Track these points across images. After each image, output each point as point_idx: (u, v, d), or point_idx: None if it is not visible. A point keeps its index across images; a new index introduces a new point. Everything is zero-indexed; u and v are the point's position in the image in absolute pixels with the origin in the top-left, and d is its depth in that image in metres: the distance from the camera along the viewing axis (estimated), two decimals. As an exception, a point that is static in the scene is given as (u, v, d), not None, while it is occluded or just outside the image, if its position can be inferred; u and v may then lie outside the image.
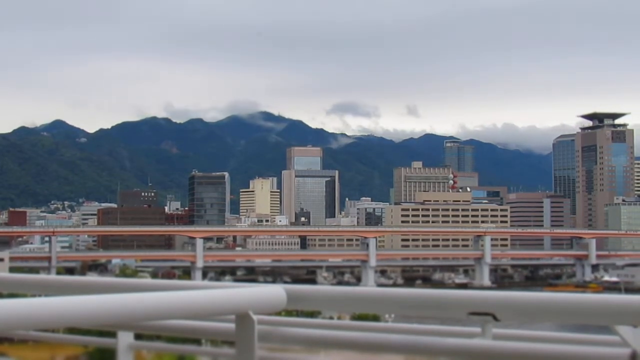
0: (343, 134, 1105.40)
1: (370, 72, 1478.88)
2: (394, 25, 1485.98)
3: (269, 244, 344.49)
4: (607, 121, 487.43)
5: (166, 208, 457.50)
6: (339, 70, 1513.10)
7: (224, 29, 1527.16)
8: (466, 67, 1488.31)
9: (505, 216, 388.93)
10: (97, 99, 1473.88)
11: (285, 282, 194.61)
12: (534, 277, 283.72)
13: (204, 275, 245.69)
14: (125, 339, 6.07)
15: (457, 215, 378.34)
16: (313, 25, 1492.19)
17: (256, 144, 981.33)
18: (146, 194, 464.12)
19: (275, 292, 4.88)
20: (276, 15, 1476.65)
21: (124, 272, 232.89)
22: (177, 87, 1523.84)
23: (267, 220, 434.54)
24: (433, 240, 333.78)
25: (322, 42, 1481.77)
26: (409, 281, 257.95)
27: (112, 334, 6.13)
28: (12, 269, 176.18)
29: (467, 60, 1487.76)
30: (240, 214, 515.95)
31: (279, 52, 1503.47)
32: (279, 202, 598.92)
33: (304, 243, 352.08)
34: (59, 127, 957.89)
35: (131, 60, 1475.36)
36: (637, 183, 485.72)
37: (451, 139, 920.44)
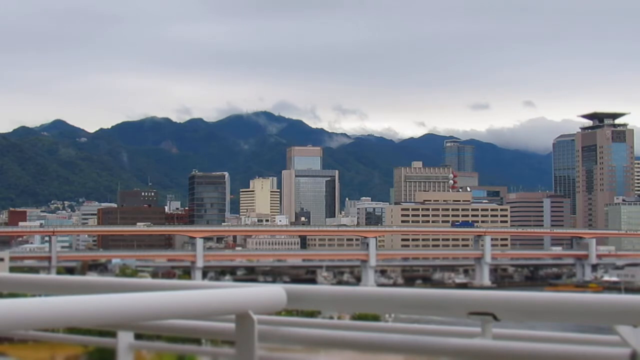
0: (343, 134, 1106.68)
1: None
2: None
3: (269, 243, 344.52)
4: (607, 121, 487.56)
5: (166, 208, 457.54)
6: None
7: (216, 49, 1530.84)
8: (465, 67, 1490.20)
9: (505, 216, 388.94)
10: (97, 99, 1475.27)
11: (285, 282, 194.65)
12: (534, 277, 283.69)
13: (204, 275, 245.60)
14: (125, 339, 6.06)
15: (457, 215, 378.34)
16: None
17: (256, 144, 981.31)
18: (146, 193, 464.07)
19: (275, 292, 4.88)
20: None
21: (124, 272, 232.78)
22: (177, 88, 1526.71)
23: (267, 220, 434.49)
24: (433, 240, 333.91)
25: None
26: (409, 281, 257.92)
27: (112, 334, 6.12)
28: (12, 269, 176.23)
29: (465, 60, 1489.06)
30: (240, 213, 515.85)
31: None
32: (279, 202, 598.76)
33: (304, 243, 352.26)
34: (59, 127, 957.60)
35: (134, 68, 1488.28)
36: (637, 183, 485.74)
37: (451, 138, 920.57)
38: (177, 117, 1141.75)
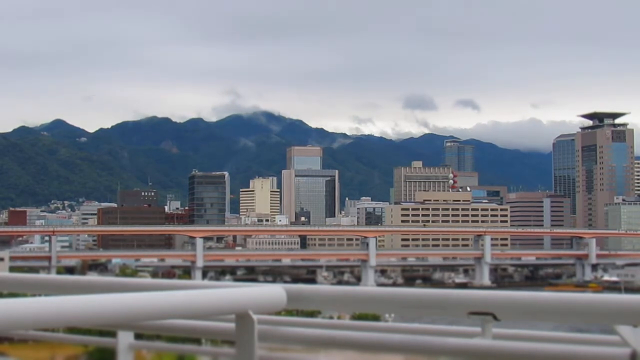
0: (343, 134, 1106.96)
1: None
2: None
3: (269, 243, 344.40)
4: (607, 121, 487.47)
5: (166, 208, 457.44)
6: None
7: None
8: (465, 66, 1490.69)
9: (505, 216, 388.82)
10: (97, 100, 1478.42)
11: (285, 282, 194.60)
12: (534, 277, 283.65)
13: (204, 275, 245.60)
14: (125, 339, 6.06)
15: (457, 215, 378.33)
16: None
17: (256, 144, 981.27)
18: (146, 193, 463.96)
19: (275, 291, 4.87)
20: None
21: (124, 271, 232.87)
22: (177, 87, 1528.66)
23: (267, 220, 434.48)
24: (433, 240, 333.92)
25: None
26: (409, 281, 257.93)
27: (112, 334, 6.12)
28: (12, 269, 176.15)
29: (465, 59, 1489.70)
30: (240, 213, 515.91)
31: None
32: (279, 202, 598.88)
33: (304, 243, 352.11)
34: (59, 127, 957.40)
35: (134, 78, 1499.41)
36: (637, 183, 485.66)
37: (451, 138, 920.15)
38: (177, 117, 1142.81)
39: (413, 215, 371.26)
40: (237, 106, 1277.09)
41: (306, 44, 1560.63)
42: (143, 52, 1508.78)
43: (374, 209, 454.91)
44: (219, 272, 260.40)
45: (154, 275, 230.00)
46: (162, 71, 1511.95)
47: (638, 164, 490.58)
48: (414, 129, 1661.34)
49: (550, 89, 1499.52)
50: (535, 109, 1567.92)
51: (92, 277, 7.16)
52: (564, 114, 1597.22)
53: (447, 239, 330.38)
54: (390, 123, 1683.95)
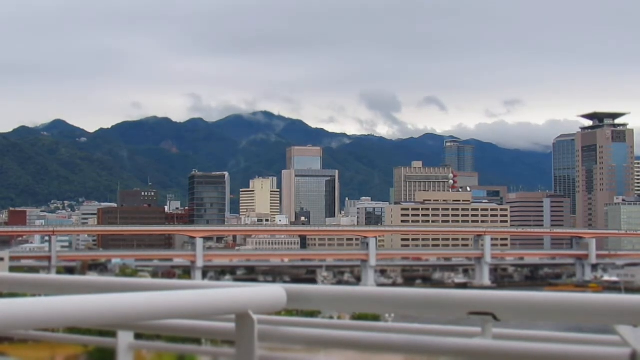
0: (343, 134, 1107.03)
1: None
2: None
3: (269, 243, 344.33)
4: (607, 121, 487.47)
5: (166, 208, 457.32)
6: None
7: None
8: (467, 66, 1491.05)
9: (505, 216, 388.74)
10: (98, 99, 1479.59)
11: (285, 282, 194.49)
12: (534, 277, 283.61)
13: (204, 275, 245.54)
14: (125, 339, 6.07)
15: (457, 215, 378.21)
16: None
17: (256, 144, 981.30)
18: (146, 193, 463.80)
19: (275, 291, 4.89)
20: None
21: (124, 271, 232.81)
22: (177, 87, 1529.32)
23: (267, 220, 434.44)
24: (433, 240, 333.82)
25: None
26: (409, 281, 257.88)
27: (112, 334, 6.13)
28: (12, 269, 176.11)
29: (467, 59, 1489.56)
30: (240, 213, 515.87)
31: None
32: (279, 202, 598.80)
33: (304, 243, 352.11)
34: (59, 127, 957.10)
35: (133, 83, 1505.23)
36: (637, 183, 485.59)
37: (451, 138, 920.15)
38: (177, 117, 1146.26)
39: (413, 215, 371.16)
40: (237, 106, 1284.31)
41: (281, 55, 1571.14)
42: (144, 59, 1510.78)
43: (374, 209, 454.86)
44: (219, 272, 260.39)
45: (154, 275, 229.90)
46: (162, 76, 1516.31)
47: (638, 164, 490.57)
48: (383, 131, 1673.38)
49: (518, 92, 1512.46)
50: (500, 110, 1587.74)
51: (92, 277, 7.13)
52: (530, 116, 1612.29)
53: (447, 239, 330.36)
54: (356, 125, 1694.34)
